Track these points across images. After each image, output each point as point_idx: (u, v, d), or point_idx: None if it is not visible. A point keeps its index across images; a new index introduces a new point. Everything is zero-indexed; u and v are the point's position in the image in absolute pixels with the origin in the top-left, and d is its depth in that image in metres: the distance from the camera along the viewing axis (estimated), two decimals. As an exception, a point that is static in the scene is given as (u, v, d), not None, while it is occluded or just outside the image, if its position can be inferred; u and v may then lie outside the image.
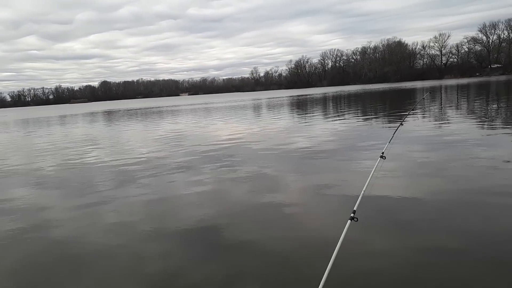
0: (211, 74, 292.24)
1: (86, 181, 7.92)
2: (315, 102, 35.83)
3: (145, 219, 5.28)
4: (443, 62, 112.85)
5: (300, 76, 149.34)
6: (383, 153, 5.12)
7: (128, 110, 50.82)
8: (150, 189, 6.87)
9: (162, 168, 8.62)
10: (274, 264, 3.69)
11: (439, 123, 13.00)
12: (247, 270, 3.61)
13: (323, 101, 36.09)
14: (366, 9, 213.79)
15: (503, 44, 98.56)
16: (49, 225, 5.31)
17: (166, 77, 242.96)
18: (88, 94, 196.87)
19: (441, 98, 27.52)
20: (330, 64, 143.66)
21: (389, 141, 6.36)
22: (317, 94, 57.53)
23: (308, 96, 49.94)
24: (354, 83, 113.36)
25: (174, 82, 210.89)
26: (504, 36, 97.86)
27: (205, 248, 4.17)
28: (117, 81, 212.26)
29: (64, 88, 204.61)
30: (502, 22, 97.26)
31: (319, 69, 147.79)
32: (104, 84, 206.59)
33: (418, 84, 70.83)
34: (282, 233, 4.44)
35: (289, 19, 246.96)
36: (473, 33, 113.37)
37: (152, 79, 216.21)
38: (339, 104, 30.13)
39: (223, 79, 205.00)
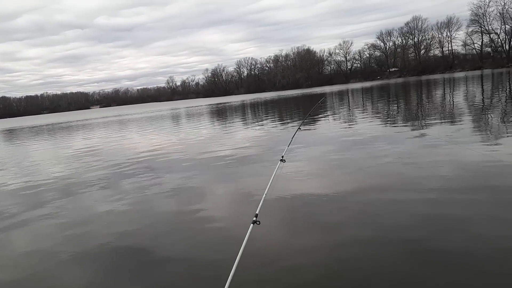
0: (124, 84, 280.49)
1: (-10, 208, 7.24)
2: (232, 109, 36.40)
3: (62, 244, 5.00)
4: (348, 67, 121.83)
5: (217, 84, 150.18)
6: (282, 156, 5.40)
7: (33, 127, 46.65)
8: (66, 211, 6.50)
9: (77, 188, 8.20)
10: (184, 271, 3.81)
11: (339, 125, 14.15)
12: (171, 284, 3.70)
13: (240, 109, 36.82)
14: (277, 18, 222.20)
15: (398, 50, 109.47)
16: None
17: (74, 89, 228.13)
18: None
19: (334, 102, 29.80)
20: (246, 72, 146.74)
21: (288, 145, 6.68)
22: (235, 101, 58.42)
23: (227, 104, 50.51)
24: (270, 90, 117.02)
25: (84, 95, 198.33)
26: (399, 42, 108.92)
27: (129, 267, 4.15)
28: (18, 96, 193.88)
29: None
30: (396, 30, 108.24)
31: (236, 77, 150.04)
32: (3, 100, 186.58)
33: (327, 88, 75.57)
34: (190, 240, 4.58)
35: (203, 28, 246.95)
36: (373, 40, 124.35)
37: (59, 92, 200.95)
38: (255, 111, 31.03)
39: (137, 89, 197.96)
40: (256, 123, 19.28)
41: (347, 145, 9.64)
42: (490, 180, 5.60)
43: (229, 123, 21.24)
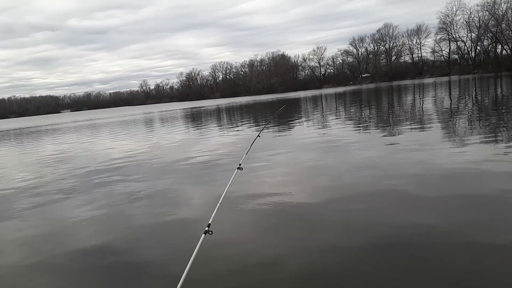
0: (96, 88, 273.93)
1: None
2: (204, 114, 36.19)
3: (29, 254, 4.81)
4: (322, 73, 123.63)
5: (192, 88, 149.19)
6: (240, 164, 5.33)
7: (-1, 131, 44.94)
8: (34, 221, 6.27)
9: (46, 195, 7.92)
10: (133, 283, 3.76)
11: (303, 131, 14.31)
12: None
13: (212, 114, 36.66)
14: (252, 23, 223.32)
15: (370, 56, 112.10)
16: None
17: (44, 93, 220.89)
18: None
19: (308, 107, 30.19)
20: (221, 76, 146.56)
21: (246, 152, 6.55)
22: (209, 106, 58.16)
23: (201, 109, 50.18)
24: (245, 95, 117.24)
25: (54, 99, 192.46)
26: (370, 48, 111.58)
27: (101, 276, 4.03)
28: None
29: None
30: (368, 36, 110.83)
31: (211, 81, 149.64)
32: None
33: (301, 93, 76.40)
34: (139, 251, 4.53)
35: (178, 32, 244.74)
36: (345, 46, 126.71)
37: (27, 95, 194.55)
38: (226, 116, 30.98)
39: (110, 93, 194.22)
40: (224, 128, 19.24)
41: (308, 151, 9.74)
42: (459, 185, 5.76)
43: (198, 128, 21.09)
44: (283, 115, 21.82)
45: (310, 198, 5.91)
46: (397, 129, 12.43)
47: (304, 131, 14.51)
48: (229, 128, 19.25)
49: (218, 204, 3.69)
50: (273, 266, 3.81)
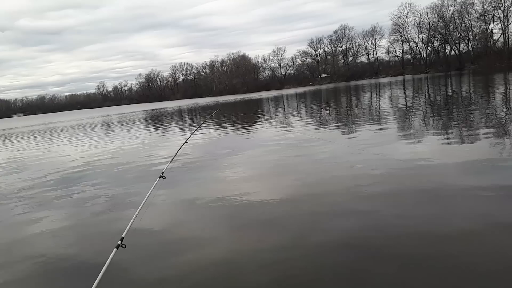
0: (50, 91, 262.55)
1: None
2: (167, 116, 35.66)
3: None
4: (283, 73, 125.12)
5: (152, 89, 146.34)
6: (162, 172, 5.14)
7: None
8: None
9: (-4, 203, 7.51)
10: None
11: (234, 135, 14.51)
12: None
13: (175, 115, 36.19)
14: (212, 24, 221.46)
15: (328, 57, 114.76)
16: None
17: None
18: None
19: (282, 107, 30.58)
20: (182, 77, 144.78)
21: (170, 160, 6.33)
22: (170, 107, 57.25)
23: (163, 110, 49.32)
24: (207, 96, 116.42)
25: (5, 102, 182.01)
26: (328, 49, 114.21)
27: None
28: None
29: None
30: (325, 37, 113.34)
31: (171, 82, 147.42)
32: None
33: (263, 94, 76.96)
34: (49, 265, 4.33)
35: (137, 32, 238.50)
36: (304, 47, 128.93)
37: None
38: (190, 117, 30.68)
39: (66, 96, 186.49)
40: (168, 132, 19.04)
41: (239, 158, 9.51)
42: (418, 180, 6.04)
43: (145, 132, 20.74)
44: (245, 117, 21.80)
45: (234, 210, 5.58)
46: (355, 127, 12.82)
47: (232, 136, 14.61)
48: (165, 131, 19.05)
49: (134, 216, 3.53)
50: (190, 279, 3.66)
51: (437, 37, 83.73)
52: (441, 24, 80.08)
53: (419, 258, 3.57)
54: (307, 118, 17.65)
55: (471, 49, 78.63)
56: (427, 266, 3.40)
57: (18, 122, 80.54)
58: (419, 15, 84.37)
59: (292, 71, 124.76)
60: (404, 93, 29.03)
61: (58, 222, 5.91)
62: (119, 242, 3.03)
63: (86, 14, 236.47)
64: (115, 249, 2.96)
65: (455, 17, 77.48)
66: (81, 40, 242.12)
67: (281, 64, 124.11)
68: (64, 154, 14.57)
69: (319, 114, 19.48)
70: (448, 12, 78.42)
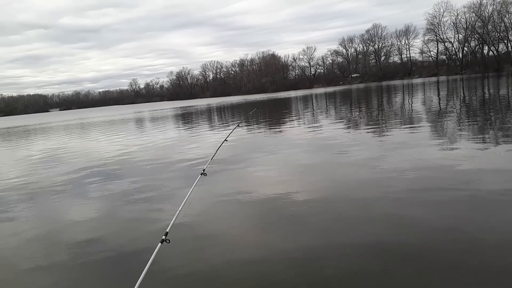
0: (85, 87, 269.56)
1: None
2: (198, 113, 36.16)
3: (26, 253, 4.84)
4: (312, 73, 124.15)
5: (182, 87, 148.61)
6: (204, 169, 5.15)
7: (-14, 130, 44.24)
8: (27, 219, 6.28)
9: (40, 194, 7.88)
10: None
11: (274, 135, 14.45)
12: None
13: (199, 114, 36.63)
14: (244, 23, 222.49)
15: (360, 56, 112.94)
16: None
17: (32, 91, 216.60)
18: None
19: (299, 107, 30.36)
20: (212, 75, 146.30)
21: (211, 157, 6.36)
22: (200, 105, 57.98)
23: (193, 108, 50.04)
24: (236, 94, 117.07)
25: (42, 97, 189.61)
26: (360, 49, 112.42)
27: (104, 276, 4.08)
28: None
29: None
30: (357, 37, 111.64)
31: (201, 80, 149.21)
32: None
33: (292, 93, 76.61)
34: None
35: (170, 31, 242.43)
36: (335, 46, 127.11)
37: (15, 94, 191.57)
38: (212, 116, 30.98)
39: (99, 92, 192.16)
40: (201, 129, 19.25)
41: (281, 157, 9.47)
42: (453, 185, 5.91)
43: (178, 129, 21.06)
44: (278, 116, 21.78)
45: (279, 207, 5.70)
46: (387, 128, 12.62)
47: (272, 135, 14.60)
48: (203, 129, 19.26)
49: (178, 212, 3.56)
50: (237, 274, 3.71)
51: (474, 37, 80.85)
52: (479, 24, 77.21)
53: (455, 265, 3.51)
54: (338, 119, 17.50)
55: (510, 50, 75.42)
56: (464, 273, 3.35)
57: (55, 116, 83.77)
58: (456, 14, 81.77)
59: (322, 70, 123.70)
60: (438, 94, 28.21)
61: (103, 216, 6.11)
62: (163, 237, 3.08)
63: (124, 13, 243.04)
64: (159, 243, 3.00)
65: (494, 16, 74.54)
66: (117, 38, 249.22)
67: (311, 63, 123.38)
68: (107, 149, 14.99)
69: (350, 115, 19.25)
70: (487, 11, 75.61)
